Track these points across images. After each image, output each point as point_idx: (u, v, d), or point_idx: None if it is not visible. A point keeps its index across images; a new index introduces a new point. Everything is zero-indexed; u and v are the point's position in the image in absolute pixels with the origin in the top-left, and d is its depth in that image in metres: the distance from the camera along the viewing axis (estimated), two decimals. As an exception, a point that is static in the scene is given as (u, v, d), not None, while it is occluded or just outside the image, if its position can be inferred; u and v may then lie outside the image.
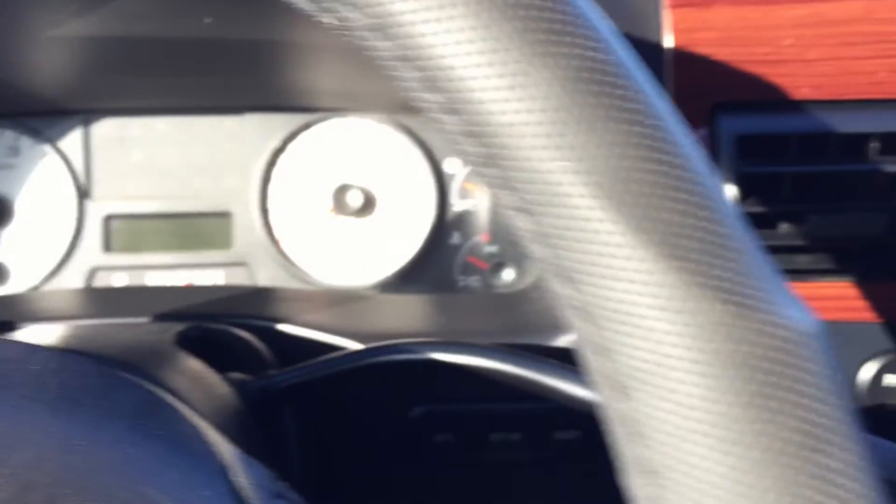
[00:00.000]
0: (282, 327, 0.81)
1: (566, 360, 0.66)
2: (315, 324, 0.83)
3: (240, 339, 0.77)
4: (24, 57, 0.94)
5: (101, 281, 1.05)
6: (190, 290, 0.99)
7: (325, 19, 0.31)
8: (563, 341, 0.83)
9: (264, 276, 1.06)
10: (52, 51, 0.92)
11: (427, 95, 0.28)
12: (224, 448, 0.40)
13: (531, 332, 0.85)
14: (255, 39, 0.92)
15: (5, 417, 0.36)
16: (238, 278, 1.06)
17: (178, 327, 0.73)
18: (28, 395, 0.38)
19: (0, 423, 0.35)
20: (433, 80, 0.27)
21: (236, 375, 0.70)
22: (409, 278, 1.07)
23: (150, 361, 0.62)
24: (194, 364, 0.66)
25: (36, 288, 1.03)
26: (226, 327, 0.77)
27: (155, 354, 0.63)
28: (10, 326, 0.63)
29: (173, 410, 0.41)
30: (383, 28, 0.27)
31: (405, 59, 0.28)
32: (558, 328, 0.84)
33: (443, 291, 1.06)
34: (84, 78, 0.99)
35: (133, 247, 1.05)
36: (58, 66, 0.97)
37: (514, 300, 0.94)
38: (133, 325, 0.73)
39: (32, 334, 0.63)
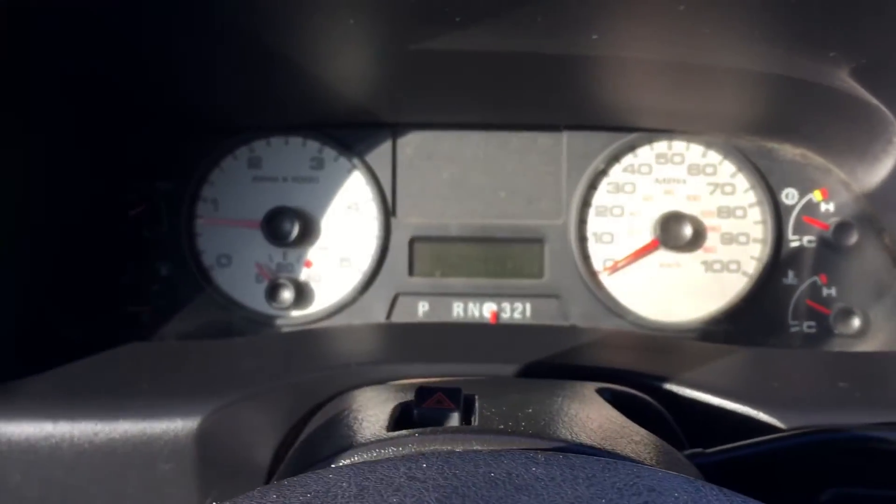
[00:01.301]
0: (671, 387, 0.72)
1: None
2: (696, 383, 0.74)
3: (642, 401, 0.68)
4: (359, 69, 0.86)
5: (403, 306, 0.98)
6: (513, 329, 0.90)
7: None
8: None
9: (577, 310, 0.97)
10: (389, 63, 0.84)
11: None
12: None
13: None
14: (594, 55, 0.83)
15: None
16: (547, 310, 0.97)
17: (593, 387, 0.65)
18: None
19: None
20: None
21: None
22: (735, 318, 0.96)
23: (632, 442, 0.54)
24: (654, 439, 0.58)
25: (338, 311, 0.97)
26: (625, 388, 0.69)
27: (631, 438, 0.54)
28: (458, 394, 0.56)
29: None
30: None
31: None
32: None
33: (772, 336, 0.96)
34: (400, 90, 0.92)
35: (438, 271, 0.98)
36: (378, 78, 0.89)
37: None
38: (552, 385, 0.65)
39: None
